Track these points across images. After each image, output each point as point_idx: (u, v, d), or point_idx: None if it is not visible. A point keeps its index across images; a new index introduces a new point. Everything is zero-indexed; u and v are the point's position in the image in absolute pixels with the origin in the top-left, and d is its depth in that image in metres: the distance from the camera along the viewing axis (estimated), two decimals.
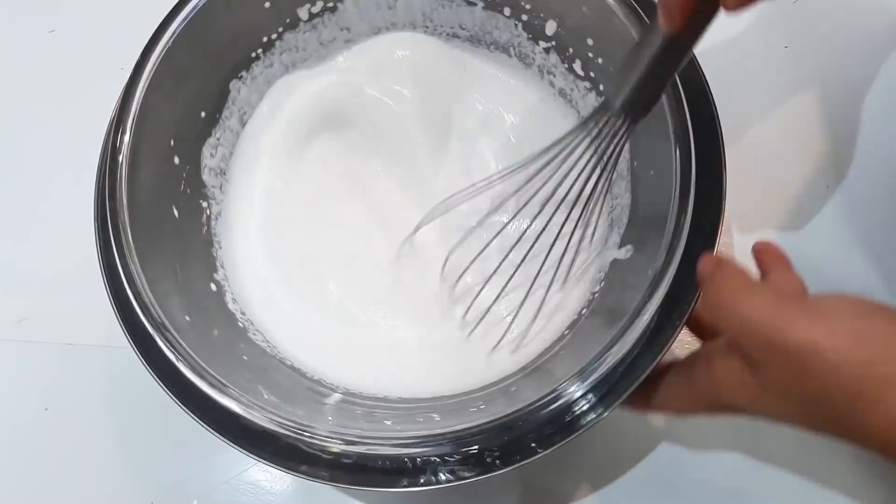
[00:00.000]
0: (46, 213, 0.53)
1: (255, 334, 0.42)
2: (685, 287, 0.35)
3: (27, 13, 0.60)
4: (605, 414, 0.34)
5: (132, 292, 0.35)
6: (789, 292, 0.30)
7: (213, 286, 0.42)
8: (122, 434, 0.47)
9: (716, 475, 0.44)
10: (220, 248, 0.45)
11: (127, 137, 0.37)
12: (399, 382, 0.42)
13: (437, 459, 0.34)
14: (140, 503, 0.46)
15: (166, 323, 0.35)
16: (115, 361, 0.48)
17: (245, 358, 0.40)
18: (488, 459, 0.34)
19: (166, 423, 0.47)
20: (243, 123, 0.47)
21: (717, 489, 0.44)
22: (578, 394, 0.33)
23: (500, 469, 0.34)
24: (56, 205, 0.53)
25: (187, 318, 0.38)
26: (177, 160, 0.42)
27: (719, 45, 0.53)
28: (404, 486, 0.34)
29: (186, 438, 0.47)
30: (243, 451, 0.35)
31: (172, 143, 0.41)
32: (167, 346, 0.34)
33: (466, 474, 0.34)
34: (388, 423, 0.37)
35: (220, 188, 0.46)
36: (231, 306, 0.43)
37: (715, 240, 0.36)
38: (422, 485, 0.34)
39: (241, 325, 0.42)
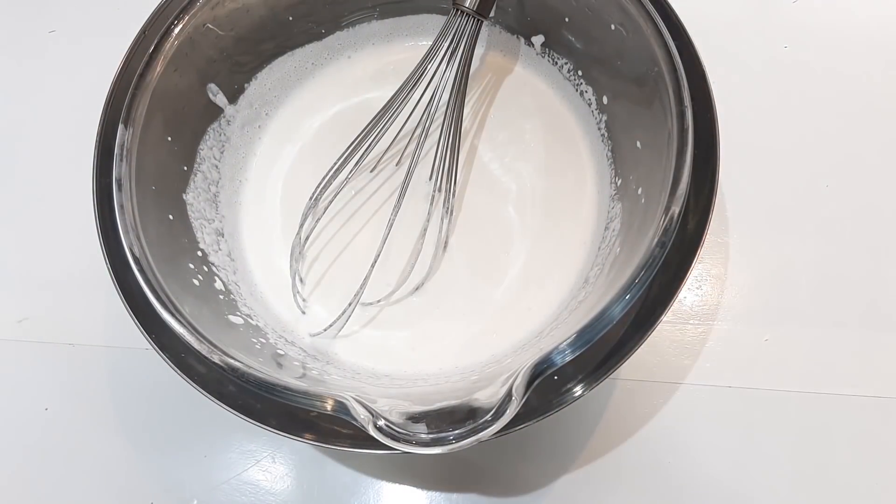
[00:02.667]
0: (46, 213, 0.53)
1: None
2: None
3: (27, 13, 0.60)
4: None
5: (138, 269, 0.34)
6: None
7: (240, 318, 0.41)
8: (122, 434, 0.47)
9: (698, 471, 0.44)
10: (234, 259, 0.45)
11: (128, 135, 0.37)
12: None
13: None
14: (140, 503, 0.46)
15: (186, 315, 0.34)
16: (115, 361, 0.48)
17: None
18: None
19: (166, 423, 0.47)
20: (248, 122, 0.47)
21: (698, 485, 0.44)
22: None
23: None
24: (56, 205, 0.53)
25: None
26: (175, 148, 0.42)
27: (719, 45, 0.53)
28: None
29: (186, 438, 0.47)
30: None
31: (170, 138, 0.41)
32: (179, 326, 0.34)
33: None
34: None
35: (217, 166, 0.46)
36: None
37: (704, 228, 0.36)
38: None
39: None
